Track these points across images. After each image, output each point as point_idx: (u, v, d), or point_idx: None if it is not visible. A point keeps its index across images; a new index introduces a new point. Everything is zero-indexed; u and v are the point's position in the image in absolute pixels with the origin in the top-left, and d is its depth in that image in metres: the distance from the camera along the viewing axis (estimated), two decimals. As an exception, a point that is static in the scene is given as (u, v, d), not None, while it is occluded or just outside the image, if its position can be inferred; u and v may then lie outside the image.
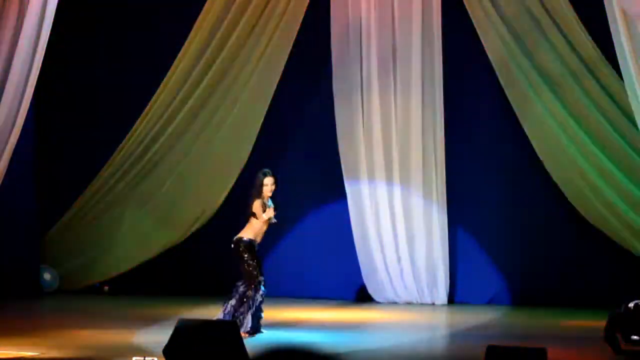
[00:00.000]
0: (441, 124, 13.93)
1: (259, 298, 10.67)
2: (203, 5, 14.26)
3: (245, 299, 10.65)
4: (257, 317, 10.69)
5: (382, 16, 14.02)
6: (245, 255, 10.68)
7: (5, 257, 13.79)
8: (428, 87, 13.91)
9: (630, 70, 11.48)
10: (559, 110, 13.36)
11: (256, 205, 10.78)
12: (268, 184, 10.82)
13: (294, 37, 14.13)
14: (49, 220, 14.68)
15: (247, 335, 10.35)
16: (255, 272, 10.68)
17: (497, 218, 14.04)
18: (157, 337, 9.45)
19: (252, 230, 10.82)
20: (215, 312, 11.11)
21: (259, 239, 10.86)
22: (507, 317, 13.06)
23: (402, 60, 13.98)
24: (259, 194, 10.81)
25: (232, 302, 10.70)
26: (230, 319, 10.51)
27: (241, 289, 10.72)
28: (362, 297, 14.32)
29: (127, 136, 14.55)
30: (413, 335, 11.44)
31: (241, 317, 10.57)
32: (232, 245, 10.81)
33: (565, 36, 13.30)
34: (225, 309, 10.68)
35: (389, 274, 14.09)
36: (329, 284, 14.47)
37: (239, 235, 10.84)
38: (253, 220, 10.83)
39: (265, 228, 10.89)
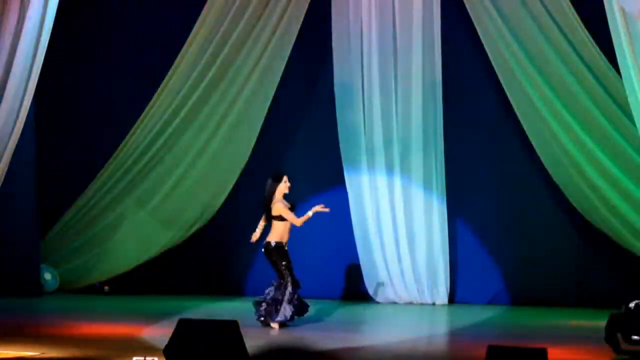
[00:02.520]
0: (441, 123, 13.93)
1: (289, 293, 11.21)
2: (203, 5, 14.27)
3: (280, 295, 11.21)
4: (293, 306, 11.23)
5: (382, 16, 14.02)
6: (274, 258, 11.30)
7: (5, 257, 13.79)
8: (428, 86, 13.92)
9: (630, 70, 11.48)
10: (559, 110, 13.35)
11: (279, 208, 11.32)
12: (285, 181, 11.39)
13: (294, 37, 14.13)
14: (49, 220, 14.68)
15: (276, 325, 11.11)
16: (285, 272, 11.27)
17: (497, 218, 14.05)
18: (158, 336, 9.44)
19: (277, 233, 11.34)
20: (215, 311, 11.14)
21: (285, 239, 11.37)
22: (507, 317, 13.06)
23: (403, 60, 13.99)
24: (272, 195, 11.34)
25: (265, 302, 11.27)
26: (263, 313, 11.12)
27: (273, 290, 11.30)
28: (362, 296, 14.33)
29: (127, 136, 14.55)
30: (413, 335, 11.44)
31: (278, 306, 11.17)
32: (263, 250, 11.41)
33: (565, 36, 13.29)
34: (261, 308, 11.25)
35: (389, 273, 14.10)
36: (329, 284, 14.47)
37: (267, 239, 11.37)
38: (275, 223, 11.34)
39: (289, 227, 11.37)
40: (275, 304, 11.16)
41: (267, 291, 11.30)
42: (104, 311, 13.05)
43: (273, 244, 11.30)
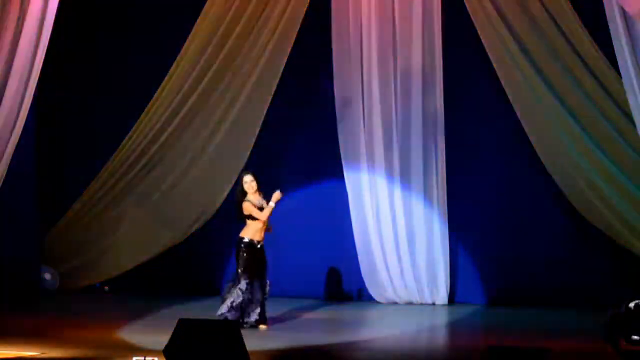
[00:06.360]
0: (441, 123, 13.92)
1: (238, 294, 11.06)
2: (203, 5, 14.27)
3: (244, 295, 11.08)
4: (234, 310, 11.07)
5: (382, 16, 14.02)
6: (243, 255, 11.15)
7: (5, 257, 13.79)
8: (428, 86, 13.91)
9: (630, 70, 11.48)
10: (559, 110, 13.35)
11: (247, 207, 11.21)
12: (247, 181, 11.27)
13: (294, 37, 14.13)
14: (49, 220, 14.68)
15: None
16: (239, 272, 11.10)
17: (498, 218, 14.04)
18: (157, 337, 9.45)
19: (249, 230, 11.26)
20: (214, 311, 11.15)
21: (257, 238, 11.24)
22: (507, 317, 13.06)
23: (403, 60, 13.98)
24: (243, 194, 11.26)
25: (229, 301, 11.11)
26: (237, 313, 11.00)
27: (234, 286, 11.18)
28: (361, 296, 14.33)
29: (127, 136, 14.56)
30: (413, 335, 11.45)
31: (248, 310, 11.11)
32: (235, 245, 11.29)
33: (565, 36, 13.29)
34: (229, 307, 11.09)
35: (389, 273, 14.09)
36: (328, 284, 14.48)
37: (240, 235, 11.27)
38: (249, 221, 11.27)
39: (262, 226, 11.27)
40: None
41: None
42: (104, 311, 13.05)
43: (246, 240, 11.22)
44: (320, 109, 14.45)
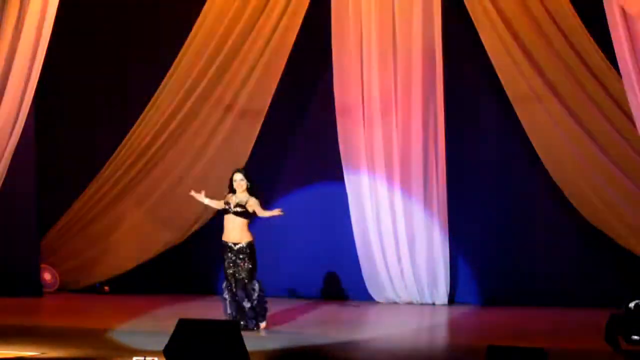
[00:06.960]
0: (442, 124, 13.92)
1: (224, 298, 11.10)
2: (203, 5, 14.28)
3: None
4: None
5: (382, 16, 14.02)
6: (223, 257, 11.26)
7: (5, 257, 13.80)
8: (428, 87, 13.90)
9: (630, 70, 11.48)
10: (559, 110, 13.35)
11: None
12: (237, 180, 11.20)
13: (294, 36, 14.13)
14: (49, 220, 14.69)
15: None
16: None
17: (498, 217, 14.04)
18: (157, 337, 9.45)
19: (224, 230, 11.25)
20: (214, 311, 11.15)
21: (228, 239, 11.14)
22: (507, 317, 13.06)
23: (402, 60, 13.97)
24: (232, 192, 11.21)
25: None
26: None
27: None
28: (361, 296, 14.33)
29: (127, 136, 14.57)
30: (413, 335, 11.45)
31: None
32: None
33: (565, 36, 13.29)
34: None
35: (389, 274, 14.09)
36: (328, 284, 14.48)
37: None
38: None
39: (232, 225, 11.12)
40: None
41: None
42: (104, 311, 13.05)
43: (223, 241, 11.25)
44: (320, 110, 14.45)
